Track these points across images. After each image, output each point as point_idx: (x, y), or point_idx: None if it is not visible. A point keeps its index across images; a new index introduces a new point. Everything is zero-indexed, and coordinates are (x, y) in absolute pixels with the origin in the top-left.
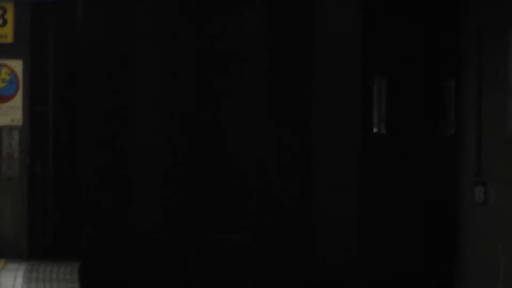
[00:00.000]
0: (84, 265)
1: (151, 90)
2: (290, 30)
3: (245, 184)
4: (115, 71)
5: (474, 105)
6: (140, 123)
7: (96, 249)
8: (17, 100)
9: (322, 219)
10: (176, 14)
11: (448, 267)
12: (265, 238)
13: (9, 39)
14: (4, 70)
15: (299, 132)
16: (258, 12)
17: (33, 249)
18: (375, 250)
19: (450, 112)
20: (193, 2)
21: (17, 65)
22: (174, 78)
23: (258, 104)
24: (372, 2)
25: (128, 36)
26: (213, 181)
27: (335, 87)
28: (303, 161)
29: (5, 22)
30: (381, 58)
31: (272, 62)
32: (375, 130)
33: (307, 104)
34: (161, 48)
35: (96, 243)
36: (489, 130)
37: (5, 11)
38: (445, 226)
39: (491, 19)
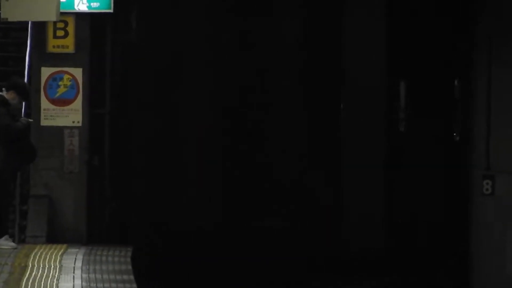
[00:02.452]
0: (136, 249)
1: (198, 91)
2: (322, 37)
3: (281, 176)
4: (165, 74)
5: (484, 106)
6: (188, 120)
7: (148, 235)
8: (77, 103)
9: (350, 208)
10: (223, 19)
11: (462, 250)
12: (299, 224)
13: (71, 49)
14: (66, 77)
15: (330, 128)
16: (295, 21)
17: (91, 235)
18: (397, 236)
19: (462, 111)
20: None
21: (77, 72)
22: (219, 79)
23: (293, 103)
24: (396, 13)
25: (177, 44)
26: (253, 175)
27: (362, 89)
28: (334, 154)
29: (66, 34)
30: (403, 63)
31: (306, 64)
32: (399, 128)
33: (337, 104)
34: (207, 53)
35: (147, 229)
36: (498, 128)
37: (66, 24)
38: (458, 213)
39: (500, 26)
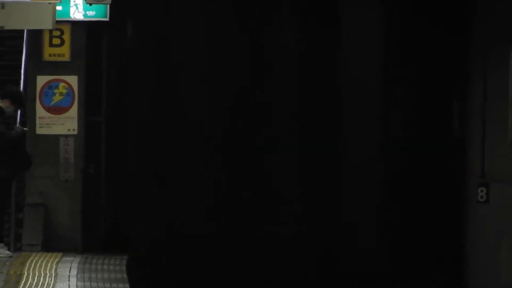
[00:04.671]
0: (132, 257)
1: (195, 101)
2: (320, 41)
3: (280, 181)
4: (161, 83)
5: (479, 115)
6: (185, 130)
7: (144, 243)
8: (73, 111)
9: (347, 213)
10: (222, 27)
11: (456, 256)
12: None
13: (66, 57)
14: (61, 85)
15: (329, 137)
16: (292, 25)
17: (87, 243)
18: (391, 243)
19: (458, 120)
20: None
21: (73, 80)
22: (217, 93)
23: (293, 105)
24: (393, 19)
25: (174, 52)
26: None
27: (360, 92)
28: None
29: (62, 42)
30: (400, 69)
31: (304, 67)
32: (393, 133)
33: (337, 109)
34: (204, 61)
35: (144, 238)
36: (492, 137)
37: (62, 32)
38: (452, 221)
39: (494, 37)
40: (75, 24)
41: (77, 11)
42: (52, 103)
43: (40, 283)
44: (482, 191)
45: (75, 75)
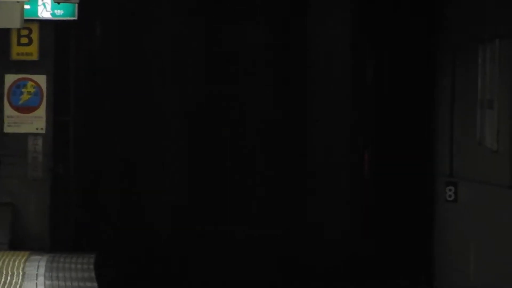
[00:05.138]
0: (99, 256)
1: (164, 98)
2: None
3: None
4: (130, 82)
5: (447, 114)
6: (155, 129)
7: (111, 242)
8: (41, 111)
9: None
10: (186, 26)
11: (425, 252)
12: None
13: (35, 56)
14: (29, 84)
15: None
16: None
17: (55, 242)
18: (364, 240)
19: (427, 119)
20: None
21: (41, 80)
22: (185, 86)
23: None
24: (361, 23)
25: (142, 50)
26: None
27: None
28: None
29: (30, 41)
30: (369, 72)
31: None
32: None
33: (303, 95)
34: (172, 57)
35: (111, 237)
36: (460, 137)
37: (30, 31)
38: (422, 219)
39: (463, 36)
40: (43, 23)
41: (45, 10)
42: (20, 102)
43: (8, 281)
44: (450, 190)
45: (43, 74)
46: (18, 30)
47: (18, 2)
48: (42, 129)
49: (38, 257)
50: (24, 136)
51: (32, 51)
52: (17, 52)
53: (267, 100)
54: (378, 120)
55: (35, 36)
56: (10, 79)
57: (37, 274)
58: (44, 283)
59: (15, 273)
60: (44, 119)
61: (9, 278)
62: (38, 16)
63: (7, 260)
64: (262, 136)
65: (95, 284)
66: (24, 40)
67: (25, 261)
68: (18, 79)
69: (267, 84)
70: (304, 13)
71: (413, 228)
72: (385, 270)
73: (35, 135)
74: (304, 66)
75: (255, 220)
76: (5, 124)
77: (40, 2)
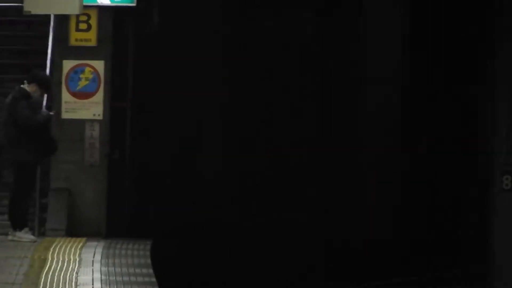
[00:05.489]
0: (155, 242)
1: (216, 85)
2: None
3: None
4: (186, 68)
5: (505, 103)
6: (201, 111)
7: (166, 228)
8: (99, 97)
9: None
10: (235, 15)
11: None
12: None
13: (93, 42)
14: (87, 69)
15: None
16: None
17: (111, 228)
18: (411, 233)
19: (483, 108)
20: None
21: (99, 65)
22: (228, 69)
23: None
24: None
25: (198, 36)
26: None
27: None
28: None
29: (89, 27)
30: (423, 68)
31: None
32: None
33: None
34: (220, 46)
35: (166, 223)
36: None
37: (89, 17)
38: (479, 208)
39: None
40: (102, 9)
41: None
42: (78, 88)
43: (64, 268)
44: (507, 179)
45: (101, 60)
46: (77, 16)
47: None
48: (99, 115)
49: (95, 243)
50: (81, 122)
51: (90, 37)
52: (75, 38)
53: None
54: (429, 110)
55: (93, 22)
56: (68, 65)
57: (93, 261)
58: (100, 269)
59: (71, 259)
60: (101, 105)
61: (65, 264)
62: (96, 2)
63: (64, 246)
64: None
65: (151, 271)
66: (83, 26)
67: (81, 248)
68: (76, 65)
69: None
70: None
71: (469, 218)
72: (439, 261)
73: (92, 121)
74: None
75: None
76: (63, 110)
77: None
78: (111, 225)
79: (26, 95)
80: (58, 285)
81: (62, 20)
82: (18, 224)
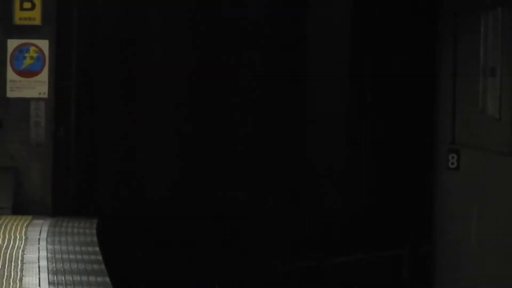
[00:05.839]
0: (101, 220)
1: (159, 66)
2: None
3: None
4: (128, 48)
5: (450, 83)
6: (150, 94)
7: (112, 207)
8: (44, 75)
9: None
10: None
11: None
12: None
13: (37, 21)
14: (32, 49)
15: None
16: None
17: (57, 207)
18: (365, 206)
19: (429, 88)
20: None
21: (44, 44)
22: (176, 55)
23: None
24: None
25: (141, 19)
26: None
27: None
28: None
29: (33, 6)
30: (368, 42)
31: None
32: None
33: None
34: (167, 28)
35: (111, 201)
36: (463, 105)
37: None
38: (423, 187)
39: (465, 4)
40: None
41: None
42: (23, 66)
43: (10, 246)
44: (452, 157)
45: (46, 39)
46: None
47: None
48: (44, 93)
49: (41, 221)
50: (27, 100)
51: (35, 16)
52: (19, 17)
53: None
54: (375, 90)
55: (37, 1)
56: (12, 44)
57: (39, 239)
58: (46, 247)
59: (18, 237)
60: (46, 83)
61: (11, 242)
62: None
63: (9, 224)
64: None
65: (97, 249)
66: (27, 5)
67: (27, 226)
68: (21, 44)
69: None
70: None
71: (414, 195)
72: (385, 237)
73: (38, 99)
74: None
75: None
76: (8, 89)
77: None
78: (57, 203)
79: None
80: (4, 262)
81: None
82: None
